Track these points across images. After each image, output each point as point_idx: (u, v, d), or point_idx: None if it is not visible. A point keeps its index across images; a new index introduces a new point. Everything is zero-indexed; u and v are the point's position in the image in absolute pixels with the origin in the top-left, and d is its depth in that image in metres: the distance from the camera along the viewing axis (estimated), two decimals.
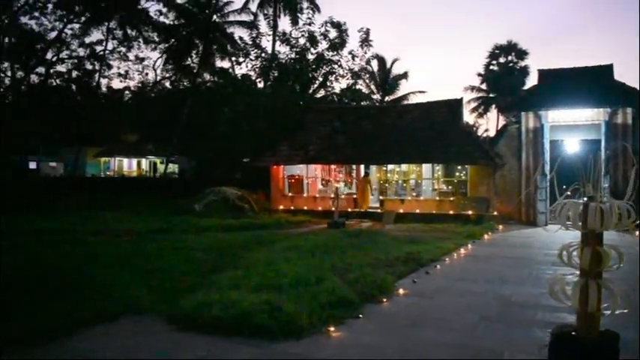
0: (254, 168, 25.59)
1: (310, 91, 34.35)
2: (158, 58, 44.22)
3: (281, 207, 23.54)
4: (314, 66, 33.40)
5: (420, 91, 48.67)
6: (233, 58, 41.12)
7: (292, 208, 23.29)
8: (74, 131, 41.38)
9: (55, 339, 5.76)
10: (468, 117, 54.68)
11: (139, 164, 51.10)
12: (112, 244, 13.00)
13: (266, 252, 11.44)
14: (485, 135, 50.67)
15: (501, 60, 55.46)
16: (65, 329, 5.99)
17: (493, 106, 56.16)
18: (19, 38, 38.32)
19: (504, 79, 52.55)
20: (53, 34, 40.35)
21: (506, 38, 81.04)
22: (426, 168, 22.62)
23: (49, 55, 41.52)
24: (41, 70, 42.13)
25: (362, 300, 7.41)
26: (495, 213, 20.32)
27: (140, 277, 8.55)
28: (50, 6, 38.98)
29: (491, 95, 56.15)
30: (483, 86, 56.78)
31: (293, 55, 33.50)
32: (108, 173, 48.55)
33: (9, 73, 38.60)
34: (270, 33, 36.86)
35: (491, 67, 55.81)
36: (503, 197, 21.70)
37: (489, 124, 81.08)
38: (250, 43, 35.20)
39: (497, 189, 21.48)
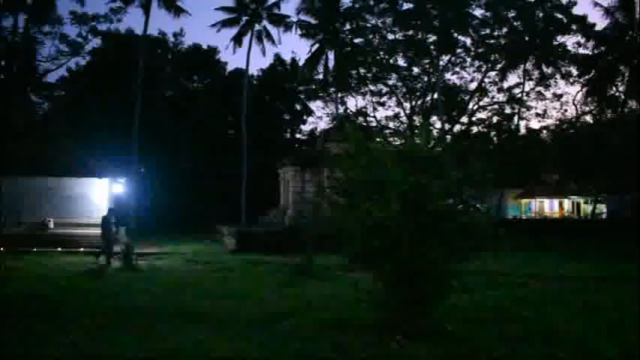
0: None
1: None
2: (577, 92, 42.32)
3: None
4: None
5: None
6: None
7: None
8: (495, 174, 42.66)
9: None
10: None
11: (560, 205, 49.01)
12: (553, 290, 12.19)
13: None
14: None
15: None
16: None
17: None
18: (445, 94, 42.29)
19: None
20: (473, 85, 43.23)
21: None
22: None
23: (470, 105, 44.47)
24: (463, 119, 45.40)
25: None
26: None
27: (603, 330, 7.56)
28: (469, 60, 42.04)
29: None
30: None
31: None
32: (529, 215, 48.06)
33: (438, 125, 42.84)
34: None
35: None
36: None
37: None
38: None
39: None
